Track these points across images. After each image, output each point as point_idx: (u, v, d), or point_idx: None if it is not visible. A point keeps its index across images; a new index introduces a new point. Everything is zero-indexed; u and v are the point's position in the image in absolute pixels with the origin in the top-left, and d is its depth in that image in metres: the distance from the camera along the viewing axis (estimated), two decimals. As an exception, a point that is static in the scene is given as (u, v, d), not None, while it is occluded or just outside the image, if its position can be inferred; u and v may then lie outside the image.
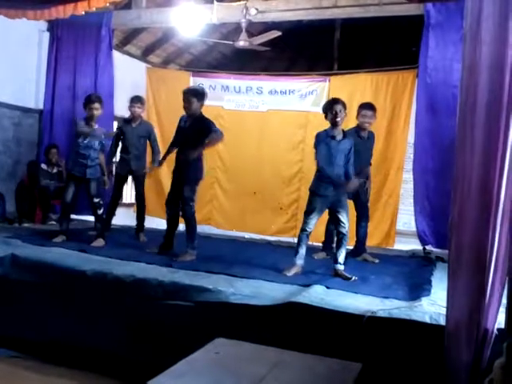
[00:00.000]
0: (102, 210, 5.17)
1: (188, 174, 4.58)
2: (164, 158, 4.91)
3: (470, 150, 2.29)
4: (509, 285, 2.18)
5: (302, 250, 4.22)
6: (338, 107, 4.14)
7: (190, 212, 4.59)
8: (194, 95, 4.54)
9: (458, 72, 2.64)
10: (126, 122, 5.49)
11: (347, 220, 4.22)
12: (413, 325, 2.93)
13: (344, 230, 4.21)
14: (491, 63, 2.22)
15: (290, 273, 4.10)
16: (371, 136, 5.08)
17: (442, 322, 2.75)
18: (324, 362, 2.57)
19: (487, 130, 2.20)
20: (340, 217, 4.23)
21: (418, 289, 3.71)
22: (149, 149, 5.63)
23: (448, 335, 2.47)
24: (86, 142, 5.09)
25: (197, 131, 4.54)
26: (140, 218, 5.75)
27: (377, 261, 4.92)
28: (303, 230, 4.26)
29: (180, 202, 4.63)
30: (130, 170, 5.51)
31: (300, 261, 4.21)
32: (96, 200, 5.13)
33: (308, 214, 4.24)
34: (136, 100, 5.44)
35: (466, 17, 2.45)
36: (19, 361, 3.75)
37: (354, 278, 4.03)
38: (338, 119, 4.13)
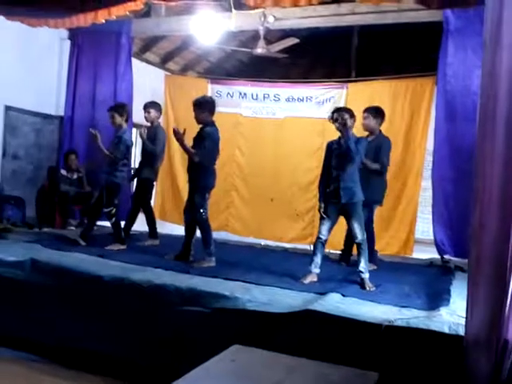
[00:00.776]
0: (113, 220, 5.17)
1: (197, 182, 4.62)
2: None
3: (490, 159, 2.25)
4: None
5: (317, 259, 4.21)
6: (334, 115, 4.19)
7: (201, 219, 4.61)
8: (196, 105, 4.62)
9: (478, 79, 2.62)
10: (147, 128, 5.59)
11: (359, 229, 4.17)
12: (431, 335, 2.89)
13: (357, 240, 4.19)
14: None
15: (306, 281, 4.09)
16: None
17: (461, 332, 2.71)
18: (340, 371, 2.55)
19: (508, 139, 2.16)
20: (350, 226, 4.23)
21: (436, 298, 3.66)
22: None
23: (467, 345, 2.43)
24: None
25: (196, 140, 4.59)
26: (148, 223, 5.75)
27: (375, 267, 4.80)
28: (317, 237, 4.28)
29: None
30: (138, 175, 5.63)
31: (315, 269, 4.19)
32: (106, 210, 5.16)
33: (320, 220, 4.28)
34: (144, 107, 5.57)
35: (486, 22, 2.43)
36: (36, 364, 3.80)
37: (369, 287, 4.00)
38: (336, 125, 4.17)
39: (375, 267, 4.71)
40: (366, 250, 4.19)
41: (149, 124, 5.60)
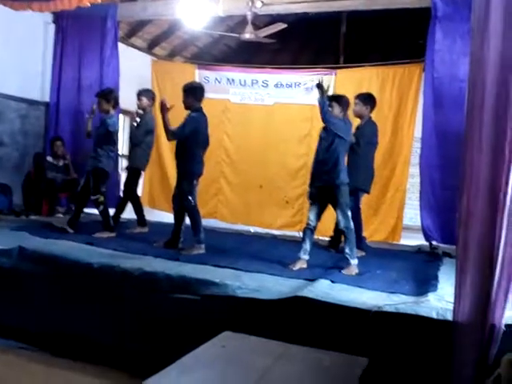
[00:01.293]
0: (101, 207, 5.15)
1: (184, 168, 4.62)
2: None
3: (477, 146, 2.27)
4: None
5: (306, 245, 4.24)
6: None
7: (190, 206, 4.60)
8: (185, 91, 4.62)
9: (466, 66, 2.63)
10: None
11: (342, 215, 4.19)
12: (419, 320, 2.93)
13: (341, 226, 4.23)
14: (499, 57, 2.19)
15: (295, 267, 4.12)
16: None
17: (449, 317, 2.75)
18: (330, 356, 2.59)
19: (495, 126, 2.18)
20: (336, 213, 4.25)
21: (424, 284, 3.70)
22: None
23: (455, 330, 2.47)
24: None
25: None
26: (136, 211, 5.72)
27: (363, 253, 4.82)
28: (306, 224, 4.31)
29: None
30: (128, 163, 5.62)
31: (304, 255, 4.22)
32: (93, 198, 5.13)
33: (309, 207, 4.32)
34: (137, 94, 5.51)
35: (474, 9, 2.43)
36: (25, 352, 3.78)
37: (349, 272, 4.03)
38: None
39: (363, 254, 4.74)
40: (352, 236, 4.21)
41: (141, 112, 5.53)
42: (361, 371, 2.40)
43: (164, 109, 4.48)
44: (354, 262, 4.14)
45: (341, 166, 4.22)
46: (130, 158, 5.65)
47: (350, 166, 4.66)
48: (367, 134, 4.97)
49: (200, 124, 4.58)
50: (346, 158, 4.38)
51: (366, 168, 4.99)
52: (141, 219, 5.66)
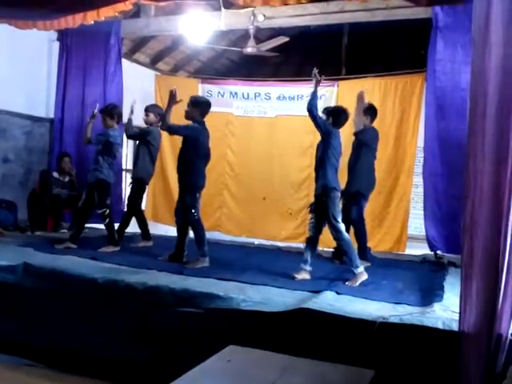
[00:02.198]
0: (107, 221, 5.16)
1: (186, 181, 4.64)
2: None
3: (480, 154, 2.27)
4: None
5: (309, 256, 4.23)
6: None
7: (193, 219, 4.61)
8: (192, 102, 4.68)
9: (467, 75, 2.63)
10: None
11: (334, 228, 4.14)
12: (425, 331, 2.90)
13: (333, 238, 4.22)
14: (501, 66, 2.20)
15: (299, 276, 4.13)
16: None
17: (455, 327, 2.73)
18: (335, 369, 2.56)
19: (498, 134, 2.18)
20: (329, 226, 4.21)
21: (430, 294, 3.68)
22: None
23: (461, 341, 2.45)
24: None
25: (185, 140, 4.63)
26: (140, 225, 5.74)
27: (368, 264, 4.79)
28: (308, 235, 4.33)
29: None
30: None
31: (307, 267, 4.21)
32: (99, 212, 5.14)
33: (310, 218, 4.36)
34: (145, 109, 5.59)
35: (475, 19, 2.44)
36: (32, 369, 3.76)
37: (348, 283, 4.00)
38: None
39: (368, 264, 4.72)
40: (347, 246, 4.16)
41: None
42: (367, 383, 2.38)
43: (172, 98, 4.52)
44: (359, 270, 4.09)
45: (326, 176, 4.17)
46: (133, 169, 5.69)
47: (351, 171, 4.68)
48: (368, 139, 4.98)
49: (202, 135, 4.61)
50: (337, 166, 4.32)
51: (367, 172, 4.99)
52: (145, 233, 5.66)
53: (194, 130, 4.58)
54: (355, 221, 4.92)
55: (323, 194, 4.16)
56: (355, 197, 4.91)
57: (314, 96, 4.21)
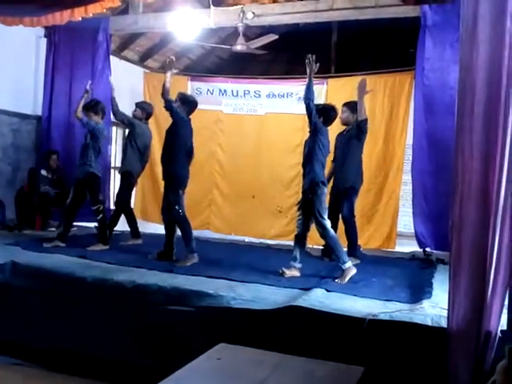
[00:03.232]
0: (100, 216, 5.14)
1: (168, 174, 4.66)
2: None
3: (468, 152, 2.29)
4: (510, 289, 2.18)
5: (296, 253, 4.24)
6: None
7: (178, 216, 4.60)
8: (180, 99, 4.75)
9: (456, 73, 2.64)
10: None
11: (319, 225, 4.15)
12: (414, 327, 2.92)
13: (321, 235, 4.23)
14: (488, 64, 2.22)
15: (289, 272, 4.14)
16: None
17: (444, 324, 2.75)
18: (325, 366, 2.57)
19: (485, 132, 2.20)
20: (315, 223, 4.21)
21: (419, 291, 3.70)
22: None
23: (450, 337, 2.47)
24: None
25: (169, 133, 4.68)
26: (129, 223, 5.71)
27: (358, 261, 4.78)
28: (296, 232, 4.33)
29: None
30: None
31: (297, 263, 4.21)
32: (93, 208, 5.11)
33: (298, 215, 4.34)
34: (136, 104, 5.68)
35: (462, 18, 2.46)
36: (21, 368, 3.74)
37: (337, 280, 4.01)
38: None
39: (358, 261, 4.74)
40: (333, 242, 4.17)
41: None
42: (357, 380, 2.38)
43: (171, 66, 4.66)
44: (346, 265, 4.08)
45: (317, 170, 4.19)
46: (122, 164, 5.68)
47: (341, 166, 4.70)
48: (363, 132, 4.97)
49: (186, 129, 4.67)
50: (324, 163, 4.34)
51: (359, 167, 5.02)
52: (134, 231, 5.63)
53: (183, 118, 4.65)
54: (347, 217, 4.93)
55: (310, 188, 4.16)
56: (347, 192, 4.90)
57: (309, 88, 4.17)
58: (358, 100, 4.80)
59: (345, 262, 4.10)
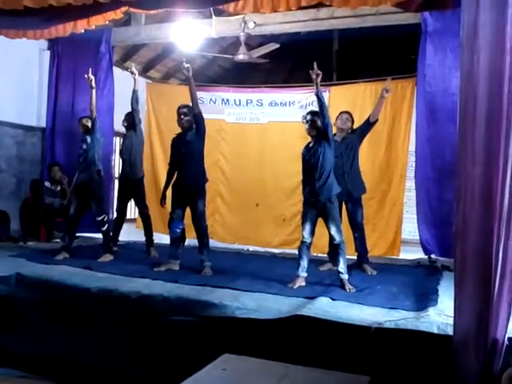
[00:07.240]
0: (105, 227, 5.14)
1: (198, 190, 4.75)
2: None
3: (471, 158, 2.28)
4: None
5: (303, 262, 4.21)
6: (307, 117, 4.32)
7: (206, 226, 4.73)
8: (189, 111, 4.70)
9: (457, 79, 2.64)
10: None
11: (336, 231, 4.17)
12: (420, 335, 2.90)
13: (336, 241, 4.20)
14: (489, 70, 2.22)
15: (295, 285, 4.09)
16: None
17: (450, 331, 2.72)
18: (331, 376, 2.55)
19: (488, 137, 2.19)
20: (328, 229, 4.22)
21: (424, 299, 3.67)
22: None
23: (456, 345, 2.45)
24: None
25: (193, 143, 4.66)
26: (146, 231, 5.72)
27: (374, 272, 4.82)
28: (301, 241, 4.29)
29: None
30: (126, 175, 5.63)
31: (303, 273, 4.19)
32: (98, 219, 5.11)
33: (302, 223, 4.31)
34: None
35: (463, 24, 2.46)
36: (26, 380, 3.73)
37: (349, 289, 4.00)
38: (306, 127, 4.33)
39: (374, 272, 4.79)
40: (345, 251, 4.19)
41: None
42: (363, 390, 2.37)
43: (189, 72, 4.70)
44: (346, 277, 4.10)
45: (332, 178, 4.23)
46: (133, 171, 5.62)
47: (350, 174, 4.76)
48: (356, 141, 5.00)
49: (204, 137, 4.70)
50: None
51: (361, 175, 5.05)
52: (151, 240, 5.65)
53: (205, 128, 4.68)
54: (361, 224, 4.95)
55: (330, 197, 4.18)
56: (360, 200, 4.95)
57: (322, 101, 4.13)
58: (379, 100, 4.90)
59: (346, 272, 4.12)
